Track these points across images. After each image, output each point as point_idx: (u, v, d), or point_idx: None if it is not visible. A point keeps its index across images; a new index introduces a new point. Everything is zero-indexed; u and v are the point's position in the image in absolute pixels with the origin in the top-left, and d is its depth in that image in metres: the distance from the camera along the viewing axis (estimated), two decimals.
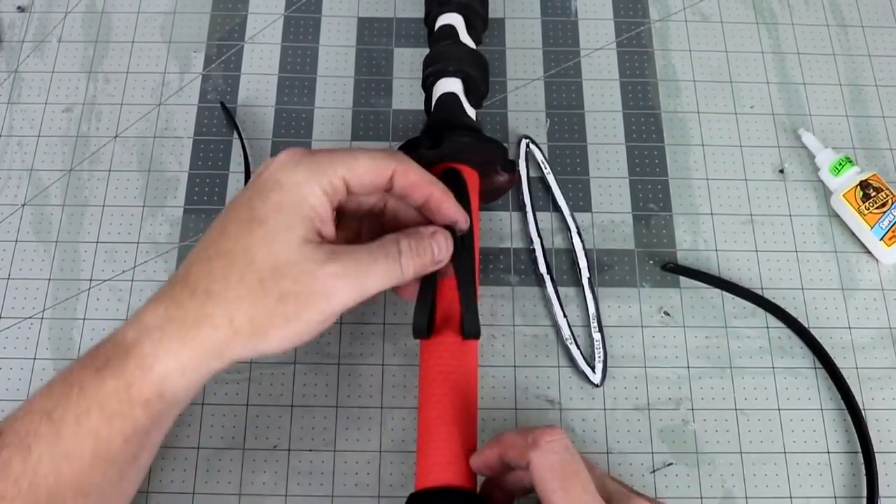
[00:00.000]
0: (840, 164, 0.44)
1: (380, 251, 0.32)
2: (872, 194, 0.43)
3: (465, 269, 0.36)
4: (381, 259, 0.32)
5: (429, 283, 0.36)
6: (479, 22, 0.45)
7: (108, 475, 0.31)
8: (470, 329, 0.35)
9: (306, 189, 0.31)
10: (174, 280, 0.32)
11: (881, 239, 0.43)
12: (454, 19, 0.44)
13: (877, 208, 0.43)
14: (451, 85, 0.42)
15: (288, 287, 0.30)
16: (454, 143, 0.38)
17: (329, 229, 0.33)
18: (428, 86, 0.43)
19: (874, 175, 0.44)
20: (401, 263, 0.32)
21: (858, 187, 0.43)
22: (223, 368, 0.32)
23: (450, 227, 0.35)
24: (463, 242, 0.36)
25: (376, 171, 0.33)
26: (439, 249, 0.34)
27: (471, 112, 0.42)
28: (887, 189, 0.44)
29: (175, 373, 0.30)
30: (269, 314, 0.30)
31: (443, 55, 0.42)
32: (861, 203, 0.43)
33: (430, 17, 0.45)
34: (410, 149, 0.39)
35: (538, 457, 0.29)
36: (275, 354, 0.32)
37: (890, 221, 0.42)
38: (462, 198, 0.38)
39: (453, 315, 0.36)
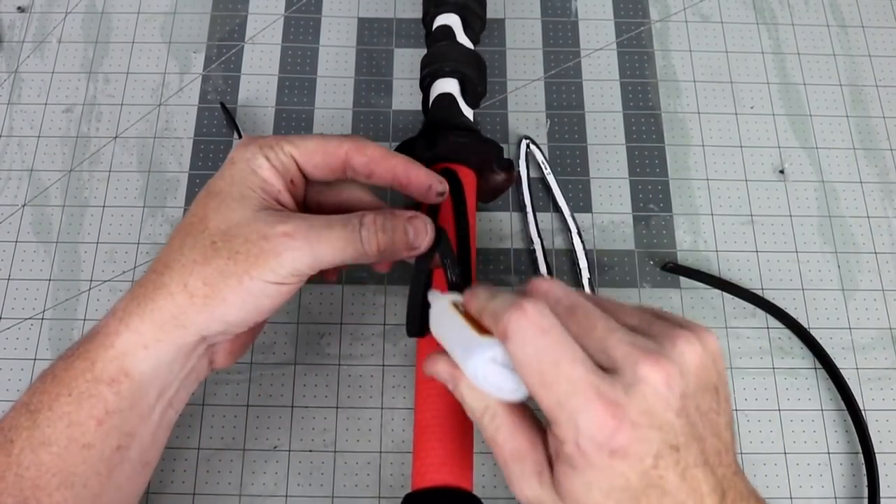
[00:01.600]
0: None
1: (338, 220, 0.31)
2: None
3: (451, 261, 0.35)
4: (338, 228, 0.31)
5: (418, 277, 0.35)
6: (476, 22, 0.45)
7: (89, 463, 0.30)
8: None
9: (254, 163, 0.32)
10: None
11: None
12: (451, 20, 0.44)
13: None
14: (447, 85, 0.42)
15: (238, 246, 0.30)
16: (449, 144, 0.38)
17: (286, 198, 0.33)
18: (425, 87, 0.43)
19: None
20: (360, 235, 0.31)
21: None
22: (195, 342, 0.31)
23: (431, 213, 0.34)
24: (457, 233, 0.36)
25: (325, 149, 0.33)
26: (416, 234, 0.33)
27: (468, 112, 0.42)
28: None
29: (137, 347, 0.30)
30: (221, 273, 0.30)
31: (439, 56, 0.42)
32: None
33: (427, 18, 0.45)
34: (406, 150, 0.39)
35: (511, 351, 0.27)
36: (239, 324, 0.31)
37: None
38: (458, 198, 0.38)
39: None
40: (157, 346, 0.31)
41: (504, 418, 0.28)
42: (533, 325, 0.26)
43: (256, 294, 0.30)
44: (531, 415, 0.29)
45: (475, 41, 0.45)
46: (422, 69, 0.43)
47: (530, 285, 0.29)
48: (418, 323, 0.35)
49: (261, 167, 0.32)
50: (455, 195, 0.38)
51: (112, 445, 0.31)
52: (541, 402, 0.26)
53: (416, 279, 0.35)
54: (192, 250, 0.31)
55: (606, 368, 0.26)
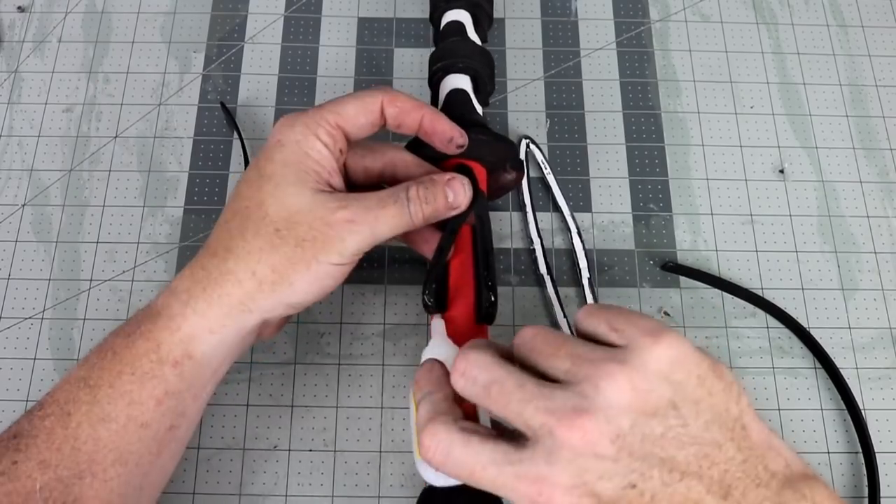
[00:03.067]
0: None
1: (389, 198, 0.33)
2: None
3: (485, 219, 0.36)
4: (391, 205, 0.33)
5: (448, 237, 0.36)
6: (485, 19, 0.44)
7: (144, 441, 0.31)
8: (485, 309, 0.35)
9: (306, 145, 0.33)
10: (201, 250, 0.33)
11: None
12: (462, 16, 0.43)
13: None
14: (460, 81, 0.42)
15: (303, 233, 0.31)
16: (471, 141, 0.38)
17: (336, 180, 0.34)
18: (435, 81, 0.43)
19: None
20: (409, 210, 0.33)
21: None
22: (256, 324, 0.32)
23: (462, 170, 0.36)
24: (482, 210, 0.37)
25: (365, 108, 0.34)
26: (454, 195, 0.35)
27: (479, 109, 0.42)
28: None
29: (203, 331, 0.32)
30: (290, 260, 0.31)
31: (452, 51, 0.42)
32: None
33: (436, 14, 0.44)
34: (422, 144, 0.39)
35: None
36: (302, 305, 0.33)
37: None
38: (476, 195, 0.38)
39: (467, 295, 0.36)
40: (223, 331, 0.32)
41: None
42: (438, 452, 0.27)
43: (322, 276, 0.32)
44: None
45: (483, 40, 0.45)
46: (432, 64, 0.43)
47: (455, 363, 0.29)
48: (433, 291, 0.35)
49: (313, 148, 0.33)
50: (474, 191, 0.38)
51: (166, 425, 0.32)
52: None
53: (445, 239, 0.36)
54: (256, 237, 0.32)
55: (529, 438, 0.26)
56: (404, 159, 0.37)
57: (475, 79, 0.42)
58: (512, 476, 0.26)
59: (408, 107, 0.35)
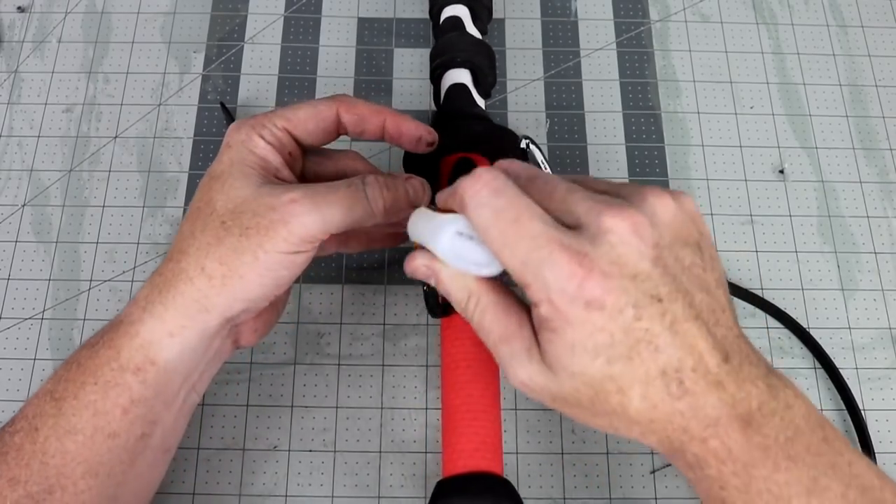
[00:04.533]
0: None
1: (342, 183, 0.32)
2: None
3: None
4: (342, 189, 0.31)
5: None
6: (484, 13, 0.45)
7: (114, 452, 0.31)
8: None
9: (251, 143, 0.32)
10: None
11: None
12: (460, 10, 0.44)
13: None
14: (459, 76, 0.42)
15: (247, 221, 0.30)
16: (466, 133, 0.38)
17: (286, 174, 0.33)
18: (436, 77, 0.43)
19: None
20: (366, 193, 0.32)
21: None
22: (219, 325, 0.31)
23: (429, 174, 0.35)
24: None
25: (316, 115, 0.34)
26: (415, 191, 0.34)
27: (480, 102, 0.42)
28: None
29: (162, 335, 0.31)
30: (235, 251, 0.30)
31: (450, 46, 0.42)
32: None
33: (434, 9, 0.45)
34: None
35: (471, 218, 0.27)
36: (260, 300, 0.32)
37: None
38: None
39: None
40: (183, 333, 0.31)
41: (488, 301, 0.28)
42: (487, 187, 0.26)
43: (273, 267, 0.31)
44: (515, 297, 0.29)
45: (483, 32, 0.45)
46: (432, 60, 0.43)
47: (494, 165, 0.29)
48: (436, 300, 0.35)
49: (257, 146, 0.33)
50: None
51: (136, 434, 0.31)
52: (507, 265, 0.26)
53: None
54: (204, 233, 0.31)
55: (570, 226, 0.26)
56: (356, 167, 0.36)
57: (474, 71, 0.42)
58: (556, 241, 0.25)
59: (367, 113, 0.34)
